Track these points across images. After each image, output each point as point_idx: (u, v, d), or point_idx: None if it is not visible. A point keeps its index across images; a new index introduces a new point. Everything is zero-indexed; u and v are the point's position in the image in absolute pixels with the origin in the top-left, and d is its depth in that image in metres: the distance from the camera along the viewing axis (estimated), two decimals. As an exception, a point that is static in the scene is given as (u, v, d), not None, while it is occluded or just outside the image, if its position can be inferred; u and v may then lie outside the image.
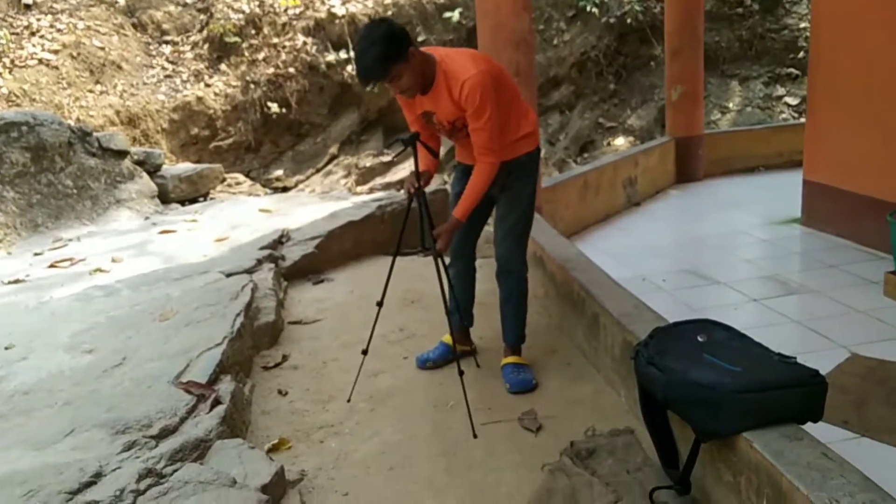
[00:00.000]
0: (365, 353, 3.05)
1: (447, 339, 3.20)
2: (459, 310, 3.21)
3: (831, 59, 4.49)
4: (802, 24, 11.18)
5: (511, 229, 3.04)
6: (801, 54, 10.77)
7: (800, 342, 3.22)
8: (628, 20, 11.46)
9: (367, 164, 10.64)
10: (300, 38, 10.82)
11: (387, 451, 2.60)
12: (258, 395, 3.09)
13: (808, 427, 1.83)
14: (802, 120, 5.00)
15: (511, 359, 3.13)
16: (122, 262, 4.67)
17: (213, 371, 2.85)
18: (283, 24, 11.06)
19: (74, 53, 9.95)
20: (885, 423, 2.55)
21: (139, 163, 6.73)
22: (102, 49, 10.31)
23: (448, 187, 7.37)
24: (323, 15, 11.07)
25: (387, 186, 10.02)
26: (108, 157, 6.39)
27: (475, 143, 2.81)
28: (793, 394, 1.88)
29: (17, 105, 8.50)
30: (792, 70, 11.17)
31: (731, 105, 11.16)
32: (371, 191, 9.60)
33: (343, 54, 10.80)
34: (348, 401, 2.98)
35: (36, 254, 5.00)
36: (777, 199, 5.48)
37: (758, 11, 11.83)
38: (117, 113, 9.53)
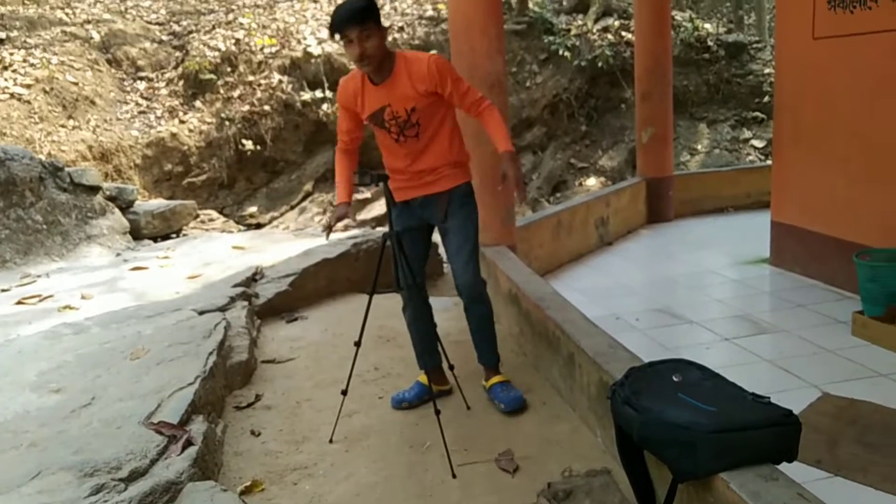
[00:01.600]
0: (344, 393, 3.02)
1: (423, 378, 3.18)
2: (426, 352, 3.22)
3: (795, 104, 4.63)
4: (767, 70, 11.54)
5: (470, 256, 3.07)
6: (766, 98, 11.10)
7: (771, 381, 3.26)
8: (599, 64, 11.73)
9: (342, 202, 10.63)
10: (276, 77, 10.90)
11: (362, 492, 2.57)
12: (231, 436, 3.03)
13: (783, 467, 1.85)
14: (769, 162, 5.14)
15: (497, 378, 3.20)
16: (92, 298, 4.60)
17: (185, 411, 2.79)
18: (259, 63, 11.14)
19: (47, 88, 9.90)
20: (858, 462, 2.58)
21: (111, 198, 6.67)
22: (76, 84, 10.28)
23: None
24: (298, 54, 11.17)
25: (362, 224, 10.02)
26: (79, 192, 6.33)
27: (468, 102, 2.90)
28: (767, 434, 1.90)
29: (-13, 139, 8.40)
30: (758, 114, 11.48)
31: (699, 147, 11.42)
32: (346, 228, 9.59)
33: (318, 93, 10.88)
34: (330, 441, 2.94)
35: (3, 290, 4.90)
36: (746, 239, 5.58)
37: (724, 57, 12.19)
38: (90, 148, 9.47)
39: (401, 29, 12.17)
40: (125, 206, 6.81)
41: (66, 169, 6.47)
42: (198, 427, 2.73)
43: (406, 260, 2.95)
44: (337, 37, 2.78)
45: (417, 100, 2.85)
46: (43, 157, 7.02)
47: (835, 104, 4.27)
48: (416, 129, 2.93)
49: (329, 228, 3.02)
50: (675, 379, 2.18)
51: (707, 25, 13.31)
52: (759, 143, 11.08)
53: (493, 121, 2.89)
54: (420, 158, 3.01)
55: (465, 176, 3.09)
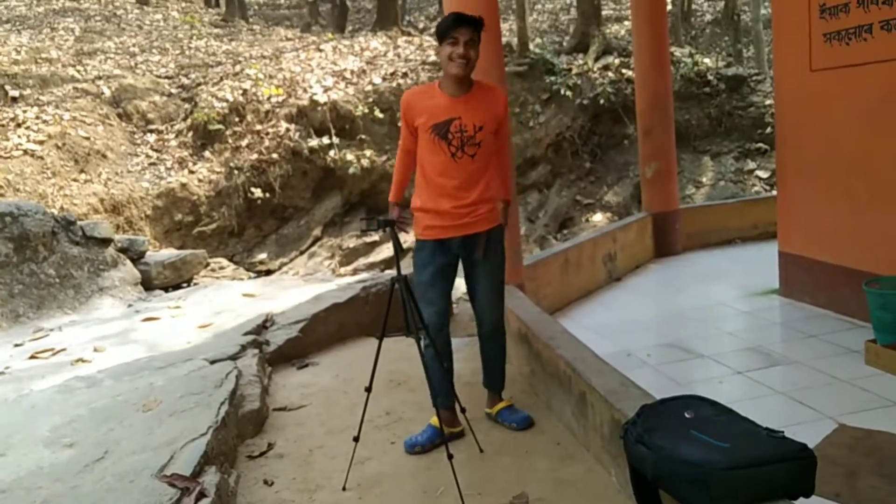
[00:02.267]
0: (356, 439, 3.01)
1: (434, 421, 3.17)
2: (442, 393, 3.19)
3: (796, 135, 4.67)
4: (768, 101, 11.64)
5: (501, 296, 3.32)
6: (769, 129, 11.17)
7: (786, 414, 3.22)
8: (601, 101, 11.88)
9: (351, 245, 10.73)
10: (283, 125, 11.08)
11: (376, 540, 2.54)
12: (243, 486, 3.02)
13: (801, 502, 1.83)
14: (774, 192, 5.15)
15: (503, 404, 3.41)
16: (104, 351, 4.62)
17: (198, 462, 2.79)
18: (266, 112, 11.34)
19: (60, 143, 10.10)
20: (878, 494, 2.54)
21: (123, 250, 6.74)
22: (87, 139, 10.48)
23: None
24: (305, 102, 11.37)
25: (371, 267, 10.07)
26: (91, 245, 6.40)
27: (500, 143, 3.22)
28: (782, 469, 1.88)
29: (1, 195, 8.55)
30: (761, 145, 11.56)
31: (704, 180, 11.47)
32: (355, 272, 9.65)
33: (325, 139, 11.05)
34: (343, 489, 2.92)
35: (16, 345, 4.93)
36: (754, 270, 5.57)
37: (725, 90, 12.33)
38: (101, 201, 9.61)
39: (405, 74, 12.39)
40: (136, 258, 6.87)
41: (79, 222, 6.56)
42: (210, 478, 2.73)
43: (415, 304, 2.96)
44: (448, 36, 3.01)
45: (488, 123, 3.10)
46: (55, 212, 7.13)
47: (835, 134, 4.31)
48: (476, 149, 3.09)
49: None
50: (687, 416, 2.17)
51: (706, 60, 13.49)
52: (763, 174, 11.12)
53: (505, 163, 3.34)
54: (470, 182, 3.12)
55: (500, 217, 3.27)
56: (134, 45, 15.22)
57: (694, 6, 20.51)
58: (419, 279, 3.24)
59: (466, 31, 2.99)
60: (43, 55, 13.18)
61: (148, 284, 6.66)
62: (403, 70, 12.58)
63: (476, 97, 3.12)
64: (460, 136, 3.07)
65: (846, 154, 4.24)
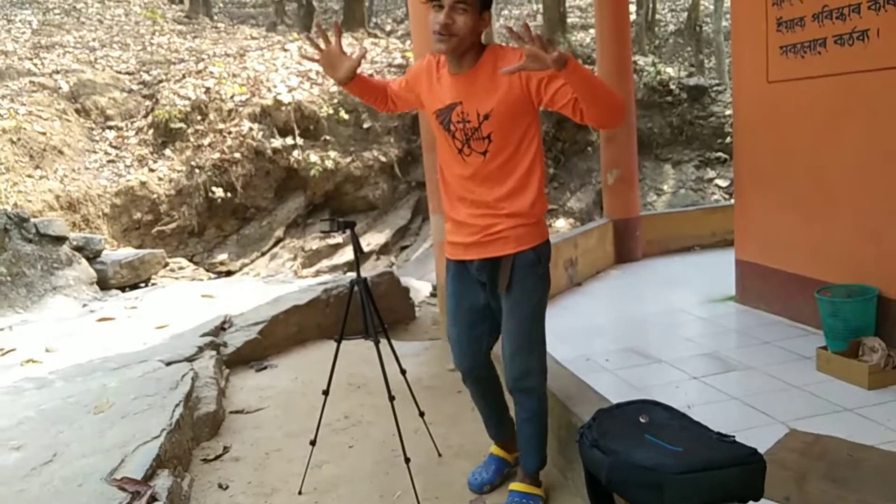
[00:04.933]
0: (313, 443, 2.98)
1: (494, 450, 2.89)
2: (490, 427, 2.88)
3: (753, 145, 4.76)
4: (728, 112, 11.88)
5: (520, 345, 2.50)
6: (728, 139, 11.40)
7: (740, 419, 3.28)
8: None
9: (314, 247, 10.65)
10: (246, 124, 10.95)
11: (332, 545, 2.52)
12: (197, 490, 2.97)
13: (750, 505, 1.86)
14: (732, 201, 5.24)
15: (521, 486, 2.64)
16: (56, 351, 4.51)
17: (150, 466, 2.73)
18: (229, 111, 11.20)
19: (14, 138, 9.84)
20: (826, 497, 2.60)
21: (78, 248, 6.59)
22: (44, 134, 10.23)
23: (395, 269, 7.38)
24: (269, 102, 11.26)
25: (333, 269, 10.00)
26: (45, 242, 6.25)
27: (564, 99, 2.19)
28: (732, 473, 1.92)
29: (-49, 191, 8.30)
30: (721, 154, 11.78)
31: (665, 187, 11.66)
32: (317, 274, 9.58)
33: (289, 140, 10.95)
34: (299, 492, 2.88)
35: (-37, 345, 4.79)
36: (712, 277, 5.66)
37: (686, 100, 12.54)
38: (57, 198, 9.38)
39: (370, 76, 12.33)
40: (92, 256, 6.73)
41: (32, 219, 6.40)
42: (163, 482, 2.67)
43: (375, 307, 2.93)
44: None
45: (496, 103, 2.29)
46: (8, 208, 6.94)
47: (790, 145, 4.40)
48: (486, 145, 2.35)
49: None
50: (641, 420, 2.20)
51: (669, 69, 13.72)
52: (722, 183, 11.33)
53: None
54: (486, 186, 2.41)
55: (535, 238, 2.44)
56: (94, 40, 14.92)
57: (658, 16, 20.85)
58: (446, 309, 2.75)
59: None
60: (-2, 47, 12.85)
61: (104, 284, 6.53)
62: (369, 72, 12.54)
63: (482, 72, 2.30)
64: (463, 129, 2.36)
65: (800, 165, 4.34)
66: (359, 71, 2.56)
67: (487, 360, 2.71)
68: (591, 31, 15.71)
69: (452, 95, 2.38)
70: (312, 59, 2.56)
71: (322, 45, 2.49)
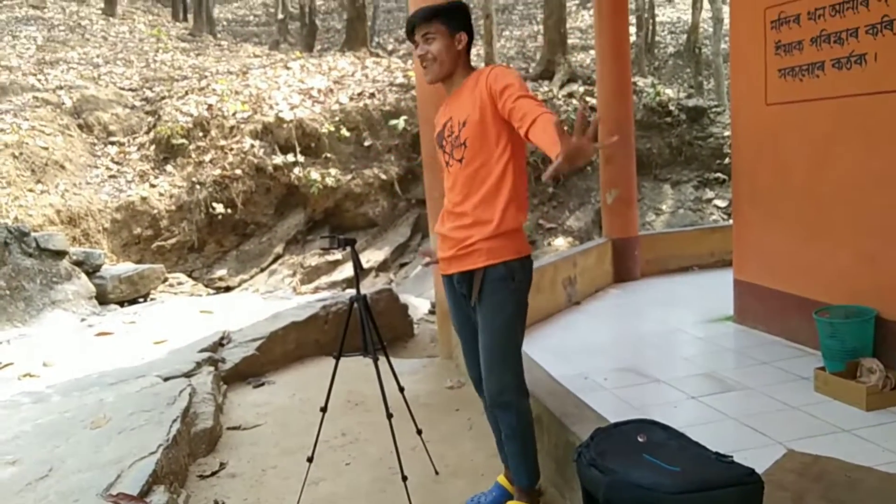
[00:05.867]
0: (310, 460, 2.97)
1: (503, 480, 2.81)
2: (500, 450, 2.83)
3: (751, 166, 4.79)
4: (726, 133, 11.96)
5: (493, 361, 2.51)
6: (727, 160, 11.46)
7: (737, 439, 3.27)
8: (565, 128, 12.03)
9: (313, 264, 10.65)
10: (248, 141, 11.00)
11: (327, 563, 2.51)
12: (193, 507, 2.95)
13: (747, 526, 1.85)
14: (731, 222, 5.26)
15: None
16: (54, 366, 4.50)
17: (146, 482, 2.73)
18: (231, 127, 11.26)
19: (17, 153, 9.88)
20: (823, 519, 2.59)
21: (78, 263, 6.60)
22: (46, 149, 10.27)
23: (394, 286, 7.37)
24: (271, 119, 11.32)
25: (333, 286, 10.00)
26: (45, 257, 6.26)
27: (525, 109, 2.27)
28: (730, 493, 1.91)
29: (-48, 204, 8.33)
30: (719, 174, 11.82)
31: (664, 207, 11.69)
32: (316, 290, 9.57)
33: (290, 157, 11.00)
34: (293, 510, 2.88)
35: (-39, 359, 4.78)
36: (710, 297, 5.66)
37: (685, 121, 12.61)
38: (58, 212, 9.40)
39: (372, 95, 12.43)
40: (92, 271, 6.73)
41: (32, 234, 6.41)
42: (158, 498, 2.67)
43: (374, 324, 2.93)
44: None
45: (472, 112, 2.43)
46: (9, 222, 6.96)
47: (788, 166, 4.43)
48: (462, 151, 2.46)
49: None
50: (639, 439, 2.19)
51: (668, 91, 13.81)
52: (721, 203, 11.37)
53: (548, 122, 2.23)
54: (462, 195, 2.50)
55: (507, 252, 2.47)
56: (98, 56, 15.02)
57: (657, 38, 21.02)
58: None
59: (420, 28, 2.47)
60: (2, 63, 12.93)
61: (103, 298, 6.53)
62: (371, 91, 12.62)
63: (466, 89, 2.49)
64: (450, 140, 2.52)
65: (798, 186, 4.36)
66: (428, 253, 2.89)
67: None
68: (592, 52, 15.84)
69: (445, 114, 2.59)
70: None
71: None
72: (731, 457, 2.06)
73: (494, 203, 2.46)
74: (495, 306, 2.47)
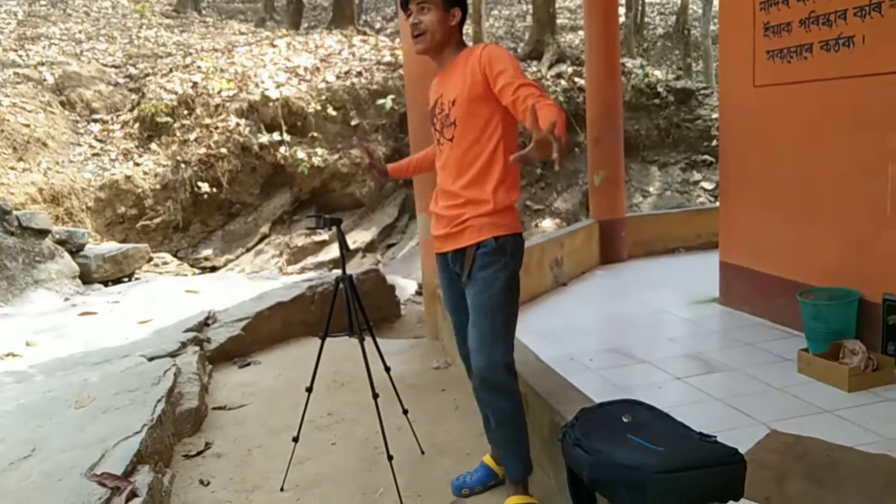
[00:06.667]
0: (296, 440, 2.97)
1: (488, 460, 2.83)
2: (487, 429, 2.78)
3: (738, 148, 4.80)
4: (714, 115, 11.97)
5: (483, 337, 2.43)
6: (715, 142, 11.49)
7: (722, 419, 3.30)
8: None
9: (300, 244, 10.60)
10: (233, 120, 10.89)
11: (313, 542, 2.51)
12: (178, 486, 2.95)
13: (731, 505, 1.87)
14: (717, 204, 5.27)
15: (516, 499, 2.55)
16: (37, 345, 4.46)
17: (130, 461, 2.72)
18: (216, 106, 11.12)
19: (-3, 130, 9.72)
20: (805, 498, 2.62)
21: (61, 242, 6.53)
22: (27, 126, 10.12)
23: (381, 267, 7.35)
24: (256, 97, 11.20)
25: (319, 266, 9.97)
26: (27, 235, 6.19)
27: (523, 96, 2.24)
28: (713, 473, 1.92)
29: (-68, 182, 8.20)
30: (707, 157, 11.85)
31: (651, 189, 11.71)
32: (302, 270, 9.54)
33: (276, 136, 10.90)
34: (281, 489, 2.88)
35: (-58, 338, 4.73)
36: (696, 279, 5.70)
37: (673, 103, 12.61)
38: (40, 191, 9.28)
39: (359, 74, 12.32)
40: (75, 250, 6.67)
41: (14, 212, 6.33)
42: (143, 477, 2.66)
43: (360, 304, 2.92)
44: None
45: (462, 91, 2.40)
46: (-10, 201, 6.86)
47: (775, 148, 4.44)
48: (453, 131, 2.46)
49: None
50: (624, 420, 2.20)
51: (657, 72, 13.78)
52: (708, 185, 11.40)
53: (550, 108, 2.15)
54: (453, 174, 2.50)
55: (497, 228, 2.45)
56: (80, 32, 14.78)
57: (646, 19, 20.95)
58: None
59: None
60: (-18, 38, 12.69)
61: (87, 278, 6.47)
62: (358, 69, 12.51)
63: (457, 66, 2.46)
64: (440, 118, 2.51)
65: (785, 168, 4.37)
66: (373, 151, 2.94)
67: None
68: (581, 32, 15.77)
69: (436, 91, 2.58)
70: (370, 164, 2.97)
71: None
72: (715, 437, 2.07)
73: (486, 182, 2.45)
74: (486, 280, 2.43)
